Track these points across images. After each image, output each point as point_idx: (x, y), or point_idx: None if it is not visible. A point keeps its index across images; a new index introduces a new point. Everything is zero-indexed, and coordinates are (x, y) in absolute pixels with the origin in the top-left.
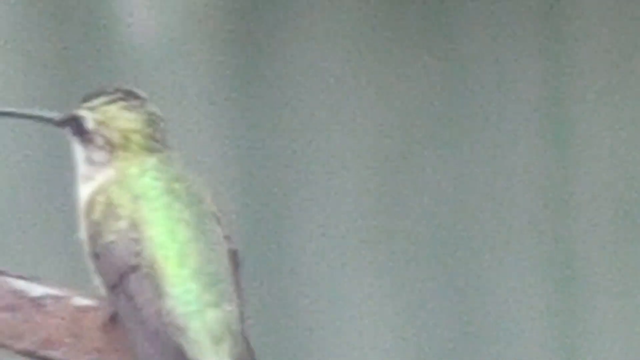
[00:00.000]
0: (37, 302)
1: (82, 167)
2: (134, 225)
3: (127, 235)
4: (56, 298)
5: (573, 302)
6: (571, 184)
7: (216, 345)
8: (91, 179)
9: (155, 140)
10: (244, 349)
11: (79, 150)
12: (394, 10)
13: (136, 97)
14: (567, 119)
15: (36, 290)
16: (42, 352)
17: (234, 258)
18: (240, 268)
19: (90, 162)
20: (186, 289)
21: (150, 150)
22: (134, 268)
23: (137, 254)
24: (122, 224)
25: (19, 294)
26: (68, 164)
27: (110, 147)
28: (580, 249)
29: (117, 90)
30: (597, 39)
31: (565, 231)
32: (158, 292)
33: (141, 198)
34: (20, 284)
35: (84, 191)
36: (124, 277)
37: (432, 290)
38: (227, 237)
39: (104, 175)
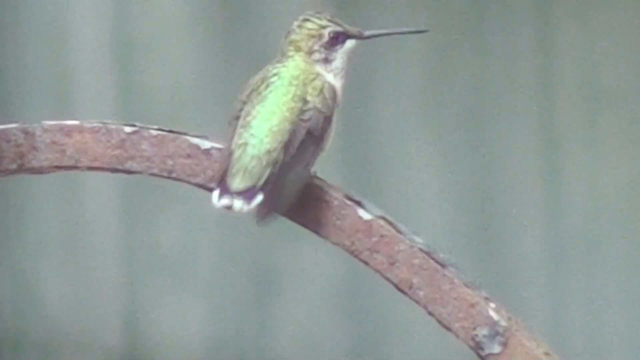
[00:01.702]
0: (206, 152)
1: None
2: (249, 94)
3: (240, 99)
4: (218, 149)
5: None
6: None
7: (240, 173)
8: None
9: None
10: (271, 190)
11: None
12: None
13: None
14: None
15: (205, 144)
16: (210, 185)
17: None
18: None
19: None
20: (254, 132)
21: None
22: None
23: (241, 109)
24: (245, 94)
25: (194, 147)
26: None
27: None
28: None
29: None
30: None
31: None
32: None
33: (267, 80)
34: (196, 140)
35: None
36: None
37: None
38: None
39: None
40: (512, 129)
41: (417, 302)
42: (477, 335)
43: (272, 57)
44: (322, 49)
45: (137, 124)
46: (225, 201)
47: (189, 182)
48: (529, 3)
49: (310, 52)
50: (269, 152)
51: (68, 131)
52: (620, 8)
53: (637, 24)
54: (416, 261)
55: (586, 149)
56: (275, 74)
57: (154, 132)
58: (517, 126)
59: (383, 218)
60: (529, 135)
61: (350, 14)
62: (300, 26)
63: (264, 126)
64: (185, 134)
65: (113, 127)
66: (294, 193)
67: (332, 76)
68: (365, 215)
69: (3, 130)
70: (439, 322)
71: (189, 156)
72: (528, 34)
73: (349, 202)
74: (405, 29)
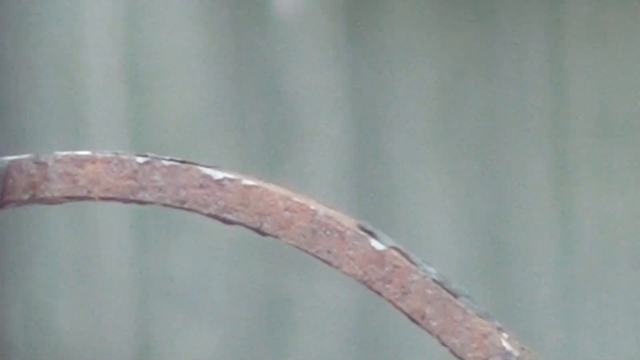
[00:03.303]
0: (218, 183)
1: None
2: None
3: None
4: (231, 180)
5: None
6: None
7: None
8: None
9: None
10: None
11: None
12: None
13: None
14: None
15: (217, 174)
16: (221, 215)
17: None
18: None
19: None
20: None
21: None
22: None
23: None
24: None
25: (207, 177)
26: None
27: None
28: None
29: None
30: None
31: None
32: None
33: None
34: (208, 170)
35: None
36: None
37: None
38: None
39: None
40: (524, 159)
41: (429, 332)
42: None
43: (282, 86)
44: None
45: (149, 154)
46: None
47: (201, 213)
48: (540, 31)
49: None
50: None
51: (80, 162)
52: (634, 38)
53: None
54: (429, 291)
55: (598, 180)
56: None
57: (166, 163)
58: (529, 156)
59: (396, 248)
60: (541, 165)
61: (360, 47)
62: None
63: None
64: (197, 164)
65: (125, 157)
66: None
67: None
68: (378, 245)
69: (16, 161)
70: (452, 352)
71: (201, 186)
72: (540, 63)
73: (362, 233)
74: None
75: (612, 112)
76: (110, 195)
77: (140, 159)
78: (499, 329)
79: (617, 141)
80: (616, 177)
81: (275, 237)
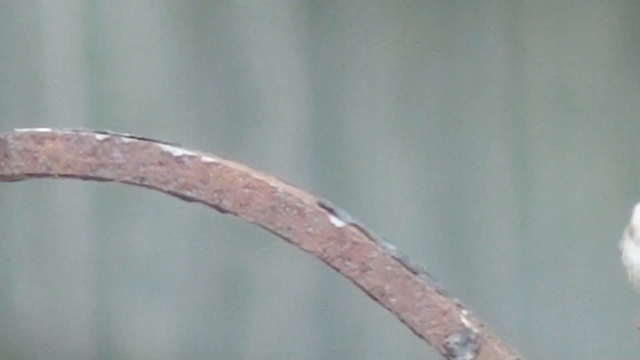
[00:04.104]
0: (178, 160)
1: None
2: None
3: None
4: (190, 157)
5: None
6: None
7: None
8: None
9: None
10: None
11: None
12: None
13: None
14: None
15: (177, 152)
16: (181, 192)
17: None
18: None
19: None
20: None
21: None
22: None
23: None
24: None
25: (166, 154)
26: None
27: None
28: None
29: None
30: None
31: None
32: None
33: None
34: (168, 147)
35: None
36: None
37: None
38: None
39: None
40: (483, 137)
41: (389, 309)
42: (449, 342)
43: (241, 64)
44: None
45: (109, 131)
46: None
47: (160, 190)
48: (500, 12)
49: None
50: None
51: (40, 139)
52: (591, 18)
53: (609, 34)
54: (388, 268)
55: (557, 157)
56: None
57: (126, 140)
58: (487, 135)
59: (355, 225)
60: (500, 144)
61: (319, 24)
62: None
63: None
64: (157, 141)
65: (85, 134)
66: None
67: None
68: (337, 222)
69: None
70: (411, 329)
71: (160, 164)
72: (499, 43)
73: (321, 210)
74: None
75: (570, 89)
76: (70, 172)
77: (100, 136)
78: (459, 305)
79: (575, 118)
80: (575, 153)
81: (235, 214)
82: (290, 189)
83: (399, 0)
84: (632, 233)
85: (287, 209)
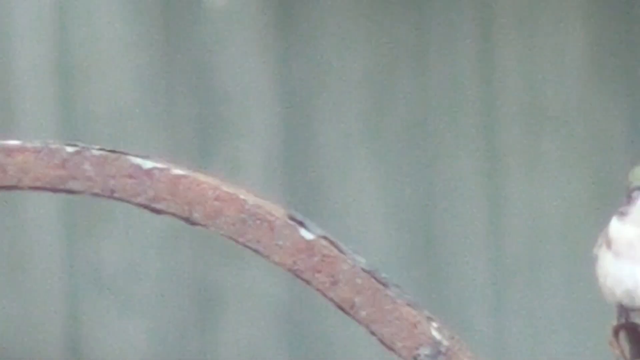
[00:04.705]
0: (148, 172)
1: None
2: None
3: None
4: (160, 169)
5: None
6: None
7: None
8: None
9: None
10: None
11: None
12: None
13: None
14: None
15: (147, 164)
16: (151, 205)
17: None
18: None
19: None
20: None
21: None
22: None
23: None
24: None
25: (136, 167)
26: None
27: None
28: None
29: None
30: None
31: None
32: None
33: None
34: (138, 160)
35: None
36: None
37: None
38: None
39: None
40: (454, 149)
41: (359, 321)
42: (419, 354)
43: (212, 76)
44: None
45: (79, 144)
46: None
47: (130, 202)
48: (471, 23)
49: None
50: None
51: (10, 151)
52: (562, 29)
53: (579, 46)
54: (358, 281)
55: (528, 168)
56: None
57: (96, 152)
58: (459, 146)
59: (325, 238)
60: (472, 155)
61: (291, 36)
62: None
63: None
64: (127, 153)
65: (55, 147)
66: None
67: None
68: (307, 235)
69: None
70: (381, 341)
71: (131, 176)
72: (470, 54)
73: (291, 222)
74: None
75: (541, 101)
76: (40, 184)
77: (70, 149)
78: (429, 318)
79: (546, 130)
80: (545, 166)
81: (205, 226)
82: (260, 202)
83: (370, 13)
84: (609, 245)
85: (257, 222)
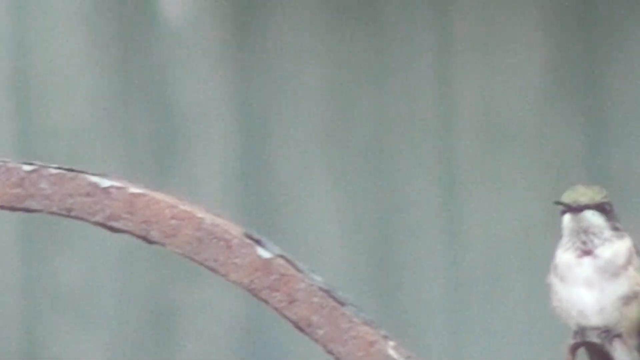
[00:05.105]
0: (105, 191)
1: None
2: None
3: None
4: (118, 188)
5: None
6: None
7: None
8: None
9: None
10: None
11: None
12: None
13: None
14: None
15: (105, 182)
16: (108, 223)
17: None
18: None
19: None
20: None
21: None
22: None
23: None
24: None
25: (94, 185)
26: None
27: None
28: None
29: None
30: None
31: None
32: None
33: None
34: (95, 178)
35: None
36: None
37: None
38: None
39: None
40: (412, 168)
41: (316, 340)
42: None
43: (170, 94)
44: None
45: (36, 162)
46: None
47: (88, 221)
48: (429, 41)
49: None
50: None
51: None
52: (519, 49)
53: (537, 65)
54: (315, 299)
55: (485, 187)
56: None
57: (53, 171)
58: (417, 164)
59: (282, 257)
60: (429, 173)
61: (247, 48)
62: None
63: None
64: (84, 172)
65: (12, 165)
66: None
67: None
68: (264, 253)
69: None
70: None
71: (88, 194)
72: (428, 72)
73: (248, 241)
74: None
75: (498, 122)
76: None
77: (27, 167)
78: (385, 337)
79: (502, 150)
80: (502, 185)
81: (162, 245)
82: (218, 220)
83: (328, 31)
84: (555, 269)
85: (214, 241)
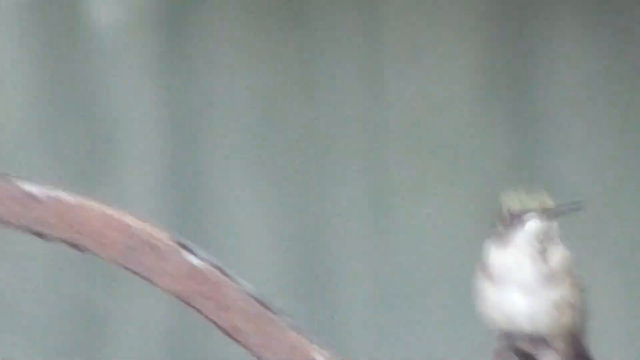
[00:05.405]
0: (35, 197)
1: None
2: None
3: None
4: (47, 194)
5: None
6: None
7: None
8: None
9: None
10: None
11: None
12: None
13: None
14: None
15: (34, 189)
16: (38, 230)
17: None
18: None
19: None
20: None
21: None
22: None
23: None
24: None
25: (23, 192)
26: None
27: None
28: None
29: None
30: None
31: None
32: None
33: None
34: (25, 185)
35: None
36: None
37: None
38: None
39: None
40: (341, 178)
41: (247, 348)
42: None
43: (99, 99)
44: None
45: None
46: None
47: (17, 228)
48: (359, 48)
49: None
50: None
51: None
52: (450, 55)
53: (467, 72)
54: (246, 307)
55: (413, 193)
56: None
57: None
58: (346, 175)
59: (212, 264)
60: (358, 184)
61: (177, 54)
62: None
63: None
64: (14, 178)
65: None
66: None
67: None
68: (195, 260)
69: None
70: None
71: (18, 201)
72: (358, 80)
73: (178, 248)
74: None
75: (429, 130)
76: None
77: None
78: (315, 343)
79: (431, 155)
80: (430, 190)
81: (92, 253)
82: (148, 228)
83: (257, 40)
84: (484, 269)
85: (145, 248)
